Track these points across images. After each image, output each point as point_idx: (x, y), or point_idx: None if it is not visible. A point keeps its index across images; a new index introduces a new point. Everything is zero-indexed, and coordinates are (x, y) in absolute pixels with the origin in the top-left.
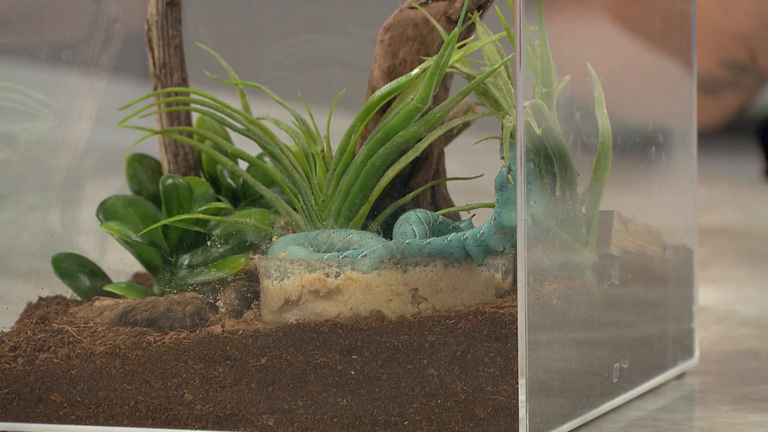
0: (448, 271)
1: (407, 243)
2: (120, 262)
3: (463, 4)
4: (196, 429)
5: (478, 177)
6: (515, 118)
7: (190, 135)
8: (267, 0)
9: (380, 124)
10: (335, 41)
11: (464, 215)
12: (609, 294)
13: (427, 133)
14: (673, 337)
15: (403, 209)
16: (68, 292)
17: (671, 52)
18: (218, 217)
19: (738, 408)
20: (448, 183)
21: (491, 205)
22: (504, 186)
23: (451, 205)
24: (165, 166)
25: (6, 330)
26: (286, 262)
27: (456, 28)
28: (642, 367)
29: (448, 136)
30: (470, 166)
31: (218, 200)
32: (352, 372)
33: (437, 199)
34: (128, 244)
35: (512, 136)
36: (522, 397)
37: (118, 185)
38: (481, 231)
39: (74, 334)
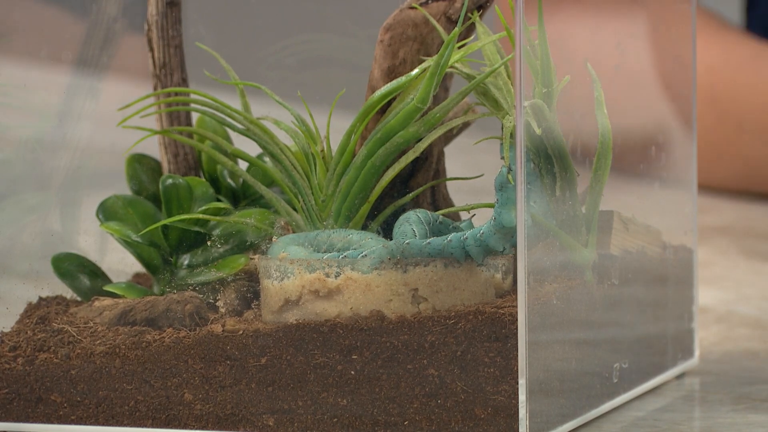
0: (448, 271)
1: (407, 243)
2: (120, 262)
3: (463, 4)
4: (196, 429)
5: (478, 177)
6: (515, 118)
7: (190, 135)
8: (267, 0)
9: (380, 124)
10: (335, 41)
11: (464, 215)
12: (609, 294)
13: (427, 133)
14: (673, 337)
15: (403, 209)
16: (68, 292)
17: (671, 52)
18: (218, 217)
19: (738, 408)
20: (448, 183)
21: (491, 205)
22: (504, 186)
23: (451, 205)
24: (165, 166)
25: (6, 330)
26: (286, 262)
27: (456, 28)
28: (642, 367)
29: (448, 136)
30: (470, 166)
31: (218, 200)
32: (352, 372)
33: (437, 199)
34: (128, 244)
35: (512, 136)
36: (522, 397)
37: (118, 185)
38: (481, 231)
39: (74, 334)
